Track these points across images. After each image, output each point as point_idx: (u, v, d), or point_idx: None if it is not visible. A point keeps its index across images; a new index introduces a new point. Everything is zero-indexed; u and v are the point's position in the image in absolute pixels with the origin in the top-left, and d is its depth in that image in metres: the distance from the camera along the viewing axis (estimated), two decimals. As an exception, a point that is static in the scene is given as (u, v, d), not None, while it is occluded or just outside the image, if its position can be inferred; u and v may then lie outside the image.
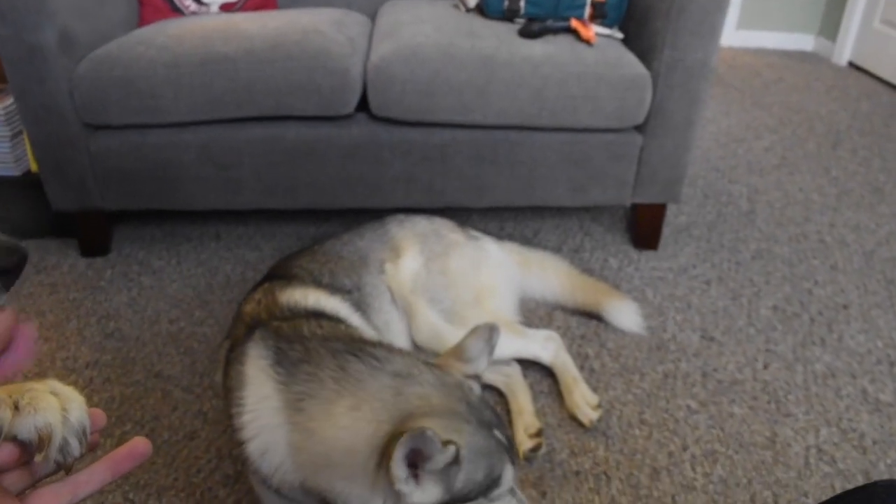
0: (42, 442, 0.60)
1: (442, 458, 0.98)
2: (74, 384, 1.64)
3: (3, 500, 0.57)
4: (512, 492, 1.15)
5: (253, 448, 1.14)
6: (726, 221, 2.36)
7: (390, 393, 1.07)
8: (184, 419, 1.59)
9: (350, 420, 1.05)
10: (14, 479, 0.60)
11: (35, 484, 0.62)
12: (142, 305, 1.92)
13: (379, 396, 1.06)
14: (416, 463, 0.99)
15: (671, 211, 2.36)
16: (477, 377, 1.17)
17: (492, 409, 1.15)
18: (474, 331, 1.17)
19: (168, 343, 1.79)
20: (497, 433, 1.09)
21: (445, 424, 1.03)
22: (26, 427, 0.60)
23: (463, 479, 1.02)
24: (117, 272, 2.05)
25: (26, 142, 2.13)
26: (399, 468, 0.97)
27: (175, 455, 1.51)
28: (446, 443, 0.98)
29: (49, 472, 0.62)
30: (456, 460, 1.00)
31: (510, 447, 1.11)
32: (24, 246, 0.56)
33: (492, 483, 1.06)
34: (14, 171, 2.17)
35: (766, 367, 1.75)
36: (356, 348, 1.15)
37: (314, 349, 1.17)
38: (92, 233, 2.10)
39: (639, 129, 1.98)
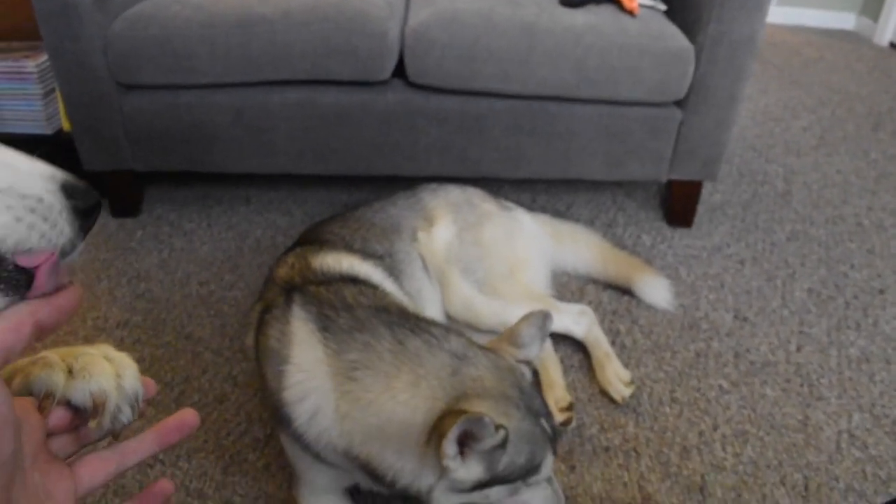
0: (96, 408, 0.59)
1: (491, 441, 1.00)
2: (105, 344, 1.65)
3: (51, 464, 0.56)
4: (549, 481, 1.16)
5: (300, 410, 1.15)
6: (762, 201, 2.32)
7: (447, 372, 1.09)
8: (213, 382, 1.59)
9: (409, 395, 1.07)
10: (61, 444, 0.59)
11: (82, 449, 0.61)
12: (172, 267, 1.92)
13: (437, 374, 1.08)
14: (464, 441, 1.01)
15: (706, 189, 2.32)
16: (528, 363, 1.17)
17: (541, 399, 1.16)
18: (527, 317, 1.18)
19: (198, 305, 1.80)
20: (543, 422, 1.11)
21: (496, 408, 1.05)
22: (81, 392, 0.59)
23: (506, 462, 1.04)
24: (148, 233, 2.05)
25: (59, 100, 2.13)
26: (450, 446, 1.00)
27: (205, 418, 1.51)
28: (497, 427, 1.01)
29: (97, 439, 0.62)
30: (503, 444, 1.02)
31: (554, 438, 1.12)
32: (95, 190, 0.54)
33: (532, 469, 1.08)
34: (46, 130, 2.17)
35: (799, 349, 1.72)
36: (412, 324, 1.16)
37: (365, 319, 1.17)
38: (123, 193, 2.10)
39: (679, 103, 1.94)
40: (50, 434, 0.58)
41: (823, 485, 1.43)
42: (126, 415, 0.61)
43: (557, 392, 1.53)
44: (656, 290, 1.81)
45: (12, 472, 0.48)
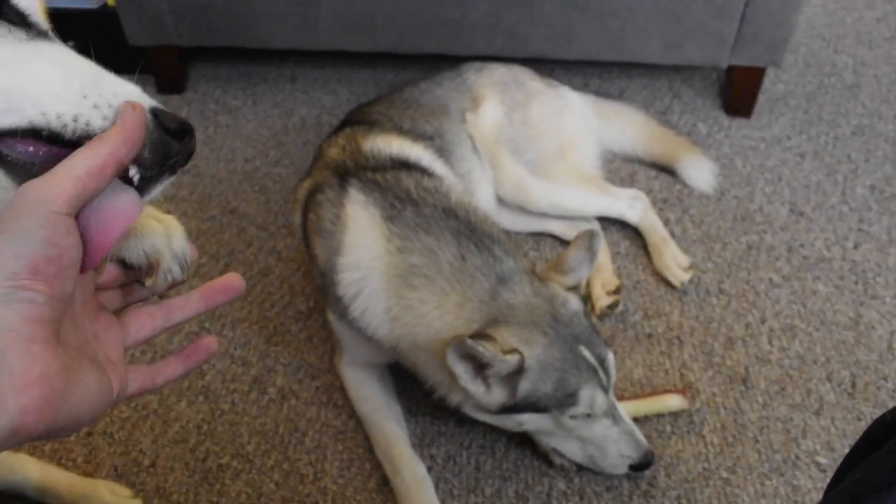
0: (151, 266, 0.60)
1: (503, 366, 1.02)
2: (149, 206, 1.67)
3: (100, 313, 0.58)
4: (617, 420, 1.14)
5: (354, 306, 1.16)
6: (827, 93, 2.20)
7: (489, 295, 1.09)
8: (258, 255, 1.60)
9: (454, 316, 1.09)
10: (108, 299, 0.61)
11: (126, 307, 0.62)
12: (217, 143, 1.92)
13: (480, 297, 1.09)
14: (480, 366, 1.03)
15: (768, 78, 2.20)
16: (576, 289, 1.16)
17: (589, 328, 1.13)
18: (575, 241, 1.17)
19: (243, 181, 1.80)
20: (584, 350, 1.09)
21: (518, 334, 1.05)
22: (135, 250, 0.59)
23: (528, 387, 1.05)
24: (193, 110, 2.04)
25: (102, -29, 2.08)
26: (457, 369, 1.03)
27: (249, 290, 1.53)
28: (510, 351, 1.02)
29: (141, 298, 0.63)
30: (519, 369, 1.03)
31: (601, 369, 1.10)
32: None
33: (565, 398, 1.07)
34: (91, 4, 2.13)
35: (856, 246, 1.66)
36: (478, 237, 1.15)
37: (433, 220, 1.16)
38: (167, 69, 2.07)
39: (746, -19, 1.81)
40: (97, 289, 0.59)
41: (871, 383, 1.41)
42: (176, 273, 0.62)
43: (605, 275, 1.51)
44: (699, 171, 1.74)
45: (65, 309, 0.49)
